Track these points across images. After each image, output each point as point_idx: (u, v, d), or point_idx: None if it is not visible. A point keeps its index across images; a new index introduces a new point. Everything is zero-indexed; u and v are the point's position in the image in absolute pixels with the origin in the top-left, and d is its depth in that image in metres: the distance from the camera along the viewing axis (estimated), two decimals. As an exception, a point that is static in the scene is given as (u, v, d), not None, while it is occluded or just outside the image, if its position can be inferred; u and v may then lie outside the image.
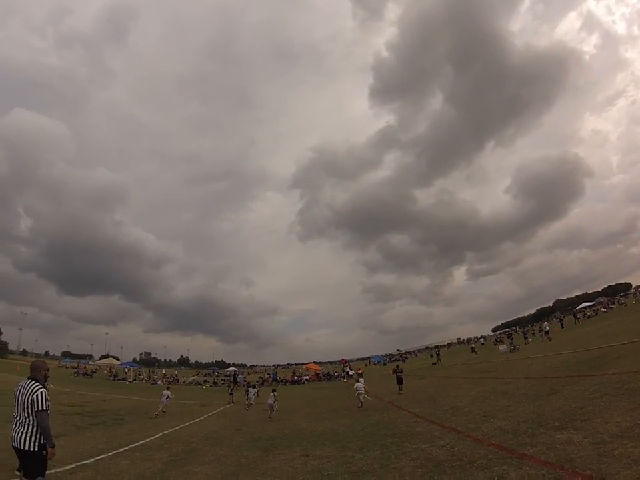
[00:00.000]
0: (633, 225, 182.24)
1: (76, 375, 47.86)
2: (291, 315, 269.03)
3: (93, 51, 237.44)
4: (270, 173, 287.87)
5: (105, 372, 58.04)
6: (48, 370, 4.96)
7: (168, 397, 18.10)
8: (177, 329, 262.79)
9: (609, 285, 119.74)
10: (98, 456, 8.42)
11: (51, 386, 5.29)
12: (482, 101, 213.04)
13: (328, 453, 8.26)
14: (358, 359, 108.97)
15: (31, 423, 4.30)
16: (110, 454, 8.78)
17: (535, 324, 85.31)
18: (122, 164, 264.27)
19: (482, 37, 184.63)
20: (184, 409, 20.69)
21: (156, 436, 11.62)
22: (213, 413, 19.45)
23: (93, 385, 36.75)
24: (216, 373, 73.74)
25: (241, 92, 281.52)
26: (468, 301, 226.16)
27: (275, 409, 16.36)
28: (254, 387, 23.62)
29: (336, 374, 50.92)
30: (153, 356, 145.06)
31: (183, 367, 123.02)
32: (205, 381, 51.57)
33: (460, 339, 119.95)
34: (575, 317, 54.89)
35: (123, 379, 48.81)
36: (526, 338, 39.99)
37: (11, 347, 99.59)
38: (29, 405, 4.31)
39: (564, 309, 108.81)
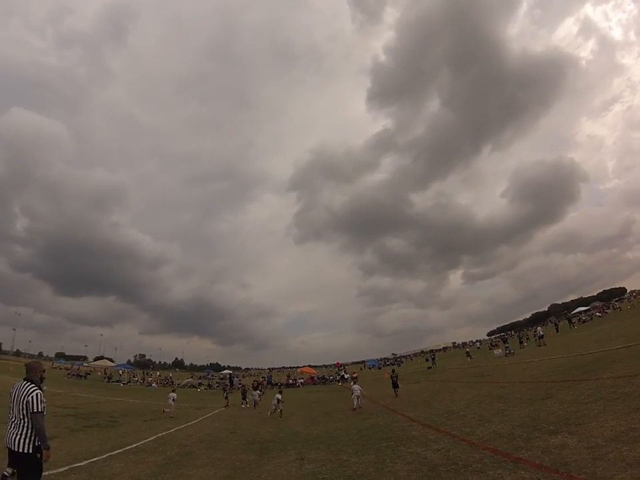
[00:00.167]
0: (628, 230, 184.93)
1: (70, 376, 47.57)
2: (287, 317, 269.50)
3: (93, 51, 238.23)
4: (268, 175, 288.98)
5: (99, 374, 57.75)
6: (44, 371, 4.93)
7: (174, 399, 18.69)
8: (173, 331, 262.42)
9: (604, 290, 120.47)
10: (91, 458, 8.37)
11: (45, 387, 5.23)
12: (479, 105, 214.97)
13: (323, 456, 8.25)
14: (353, 363, 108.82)
15: (25, 424, 4.27)
16: (104, 456, 8.73)
17: (530, 328, 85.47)
18: (121, 164, 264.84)
19: (479, 41, 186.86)
20: (178, 411, 20.54)
21: (150, 438, 11.56)
22: (208, 415, 19.38)
23: (86, 386, 36.51)
24: (211, 376, 73.48)
25: (241, 92, 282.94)
26: (464, 304, 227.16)
27: (279, 409, 17.08)
28: (257, 388, 24.64)
29: (331, 377, 50.84)
30: (147, 358, 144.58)
31: (177, 369, 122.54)
32: (200, 384, 51.34)
33: (455, 343, 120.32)
34: (569, 321, 55.08)
35: (117, 381, 48.54)
36: (521, 342, 40.05)
37: (4, 348, 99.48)
38: (24, 406, 4.28)
39: (559, 313, 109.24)
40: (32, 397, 4.31)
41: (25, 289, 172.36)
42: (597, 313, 57.02)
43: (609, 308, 62.59)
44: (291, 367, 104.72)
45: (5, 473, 4.37)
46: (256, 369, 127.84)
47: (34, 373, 4.66)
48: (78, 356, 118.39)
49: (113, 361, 78.70)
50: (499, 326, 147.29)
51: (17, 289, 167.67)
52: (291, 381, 49.43)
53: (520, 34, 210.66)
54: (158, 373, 70.57)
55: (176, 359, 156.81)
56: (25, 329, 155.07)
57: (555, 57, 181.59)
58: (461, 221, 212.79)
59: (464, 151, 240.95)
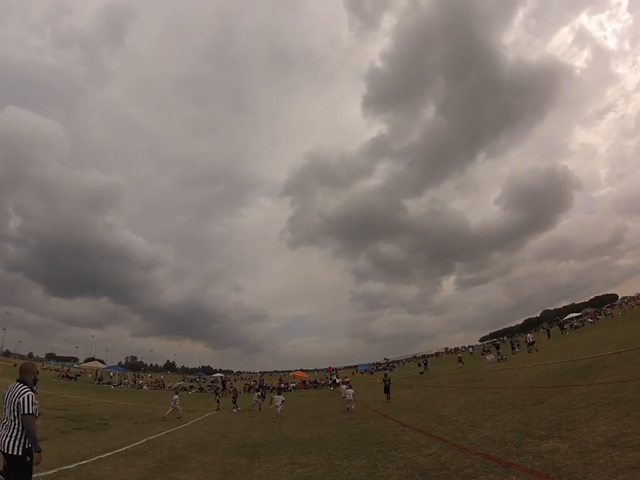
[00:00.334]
0: (620, 237, 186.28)
1: (60, 377, 47.12)
2: (279, 322, 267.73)
3: (91, 51, 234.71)
4: (263, 179, 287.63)
5: (90, 375, 57.24)
6: (37, 373, 4.86)
7: (176, 400, 19.26)
8: (165, 333, 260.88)
9: (596, 296, 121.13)
10: (81, 461, 8.27)
11: (36, 389, 5.16)
12: (474, 112, 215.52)
13: (314, 461, 8.21)
14: (345, 367, 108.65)
15: (16, 426, 4.21)
16: (93, 459, 8.63)
17: (522, 334, 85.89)
18: (117, 165, 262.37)
19: (475, 49, 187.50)
20: (170, 414, 20.43)
21: (140, 441, 11.45)
22: (199, 419, 19.24)
23: (77, 388, 36.16)
24: (202, 379, 73.05)
25: (238, 95, 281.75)
26: (457, 310, 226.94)
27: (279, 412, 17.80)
28: (258, 391, 25.11)
29: (323, 382, 50.74)
30: (139, 360, 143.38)
31: (169, 372, 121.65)
32: (191, 387, 51.04)
33: (448, 348, 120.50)
34: (561, 327, 55.44)
35: (108, 383, 48.12)
36: (513, 348, 40.24)
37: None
38: (15, 407, 4.23)
39: (551, 319, 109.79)
40: (23, 398, 4.25)
41: (16, 288, 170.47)
42: (589, 319, 57.49)
43: (600, 314, 63.04)
44: (283, 371, 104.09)
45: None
46: (248, 372, 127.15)
47: (27, 374, 4.60)
48: (68, 357, 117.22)
49: (104, 363, 77.78)
50: (491, 332, 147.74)
51: (8, 288, 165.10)
52: (282, 385, 49.23)
53: (515, 42, 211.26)
54: (149, 375, 70.09)
55: (167, 361, 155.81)
56: (15, 329, 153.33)
57: (549, 66, 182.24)
58: (455, 228, 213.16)
59: (458, 158, 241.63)
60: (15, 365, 45.67)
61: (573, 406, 8.82)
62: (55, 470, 7.27)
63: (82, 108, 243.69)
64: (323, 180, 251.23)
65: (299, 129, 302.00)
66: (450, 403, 14.29)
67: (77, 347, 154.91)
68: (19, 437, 4.20)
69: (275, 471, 7.57)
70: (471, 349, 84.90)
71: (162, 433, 13.40)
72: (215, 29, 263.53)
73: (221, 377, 68.17)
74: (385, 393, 19.92)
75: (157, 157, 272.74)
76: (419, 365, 55.02)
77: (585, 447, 5.78)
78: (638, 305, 56.46)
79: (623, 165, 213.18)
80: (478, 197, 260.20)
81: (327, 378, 53.05)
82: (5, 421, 4.27)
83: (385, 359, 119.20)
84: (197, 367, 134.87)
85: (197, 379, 71.26)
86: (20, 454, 4.15)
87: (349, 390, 17.21)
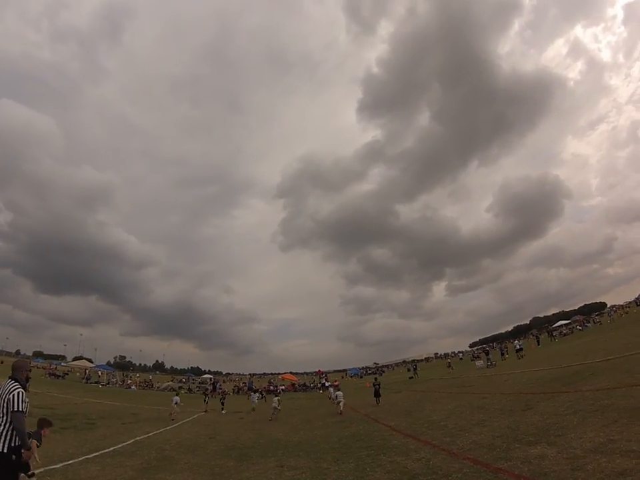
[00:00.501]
0: (609, 246, 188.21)
1: (48, 376, 46.63)
2: (269, 324, 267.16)
3: (87, 47, 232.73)
4: (256, 181, 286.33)
5: (78, 374, 56.74)
6: (30, 371, 4.81)
7: (177, 402, 19.68)
8: (154, 333, 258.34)
9: (585, 304, 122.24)
10: (67, 461, 8.20)
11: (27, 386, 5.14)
12: (468, 120, 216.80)
13: (303, 463, 8.19)
14: (335, 371, 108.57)
15: (2, 423, 4.17)
16: (80, 459, 8.56)
17: (511, 340, 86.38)
18: (110, 163, 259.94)
19: (471, 57, 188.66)
20: (158, 414, 20.30)
21: (128, 442, 11.37)
22: (188, 420, 19.11)
23: (64, 386, 35.78)
24: (191, 380, 72.64)
25: (233, 97, 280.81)
26: (447, 316, 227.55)
27: (277, 410, 18.82)
28: (257, 391, 27.13)
29: (312, 385, 50.70)
30: (127, 360, 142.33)
31: (158, 372, 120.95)
32: (180, 387, 50.72)
33: (438, 353, 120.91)
34: (550, 334, 55.81)
35: (96, 382, 47.75)
36: (503, 354, 40.43)
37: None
38: (5, 405, 4.18)
39: (541, 326, 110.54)
40: (13, 395, 4.21)
41: (4, 285, 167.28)
42: (578, 327, 57.87)
43: (589, 322, 63.49)
44: (272, 373, 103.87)
45: None
46: (237, 374, 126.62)
47: (19, 372, 4.55)
48: (56, 355, 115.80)
49: (92, 362, 77.14)
50: (481, 338, 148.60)
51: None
52: (272, 388, 49.11)
53: (510, 53, 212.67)
54: (137, 375, 69.56)
55: (156, 361, 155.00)
56: (2, 325, 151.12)
57: (543, 77, 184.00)
58: (446, 234, 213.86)
59: (451, 165, 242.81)
60: (1, 362, 45.17)
61: (561, 412, 8.88)
62: (41, 469, 7.16)
63: (77, 104, 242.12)
64: (316, 183, 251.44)
65: (293, 132, 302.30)
66: (439, 408, 14.33)
67: (65, 345, 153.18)
68: (4, 434, 4.14)
69: (264, 474, 7.54)
70: (461, 354, 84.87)
71: (150, 434, 13.31)
72: (213, 29, 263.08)
73: (211, 379, 67.81)
74: (375, 396, 19.90)
75: (150, 156, 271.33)
76: (409, 370, 55.08)
77: (572, 453, 5.82)
78: (626, 313, 56.95)
79: (613, 176, 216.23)
80: (470, 204, 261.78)
81: (316, 381, 52.98)
82: None
83: (375, 363, 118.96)
84: (186, 368, 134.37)
85: (186, 380, 70.91)
86: (5, 451, 4.10)
87: (339, 392, 17.32)
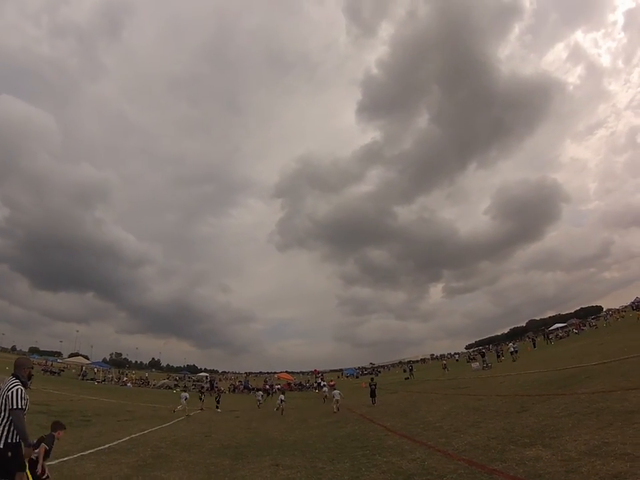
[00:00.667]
0: (606, 250, 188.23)
1: (43, 372, 46.53)
2: (266, 323, 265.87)
3: (87, 44, 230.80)
4: (254, 180, 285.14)
5: (74, 371, 56.65)
6: (32, 368, 4.82)
7: (186, 398, 20.76)
8: (151, 331, 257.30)
9: (581, 307, 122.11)
10: (62, 458, 8.14)
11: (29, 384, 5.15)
12: (467, 123, 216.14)
13: (298, 463, 8.19)
14: (331, 371, 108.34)
15: (1, 420, 4.16)
16: (75, 456, 8.52)
17: (507, 343, 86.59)
18: (108, 161, 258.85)
19: (470, 61, 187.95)
20: (154, 412, 20.28)
21: (123, 439, 11.35)
22: (183, 418, 19.10)
23: (60, 383, 35.75)
24: (187, 378, 72.57)
25: (232, 96, 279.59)
26: (443, 318, 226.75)
27: (282, 406, 20.44)
28: (260, 390, 28.13)
29: (308, 384, 50.73)
30: (123, 357, 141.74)
31: (154, 370, 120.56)
32: (176, 385, 50.69)
33: (434, 355, 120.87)
34: (546, 337, 55.95)
35: (92, 379, 47.69)
36: (498, 356, 40.52)
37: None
38: (4, 401, 4.18)
39: (537, 329, 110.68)
40: (12, 392, 4.20)
41: (0, 280, 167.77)
42: (574, 330, 58.01)
43: (585, 325, 63.70)
44: (268, 372, 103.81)
45: None
46: (233, 372, 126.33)
47: (21, 369, 4.56)
48: (52, 351, 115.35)
49: (88, 359, 77.14)
50: (477, 339, 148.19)
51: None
52: (267, 387, 49.10)
53: (510, 57, 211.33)
54: (133, 372, 69.46)
55: (153, 359, 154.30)
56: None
57: (543, 81, 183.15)
58: (444, 236, 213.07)
59: (450, 167, 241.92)
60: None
61: (557, 414, 8.90)
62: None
63: (75, 101, 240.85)
64: (314, 184, 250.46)
65: (292, 132, 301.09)
66: (435, 409, 14.36)
67: (61, 342, 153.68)
68: (1, 430, 4.14)
69: (259, 473, 7.54)
70: (457, 356, 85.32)
71: (145, 431, 13.29)
72: (213, 29, 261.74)
73: (207, 377, 67.78)
74: (371, 397, 19.95)
75: (148, 155, 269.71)
76: (405, 371, 55.18)
77: (567, 455, 5.83)
78: (622, 317, 57.14)
79: (611, 180, 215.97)
80: (468, 207, 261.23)
81: (312, 381, 53.02)
82: None
83: (371, 363, 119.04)
84: (182, 366, 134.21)
85: (182, 378, 70.83)
86: (1, 447, 4.09)
87: (335, 391, 17.42)
